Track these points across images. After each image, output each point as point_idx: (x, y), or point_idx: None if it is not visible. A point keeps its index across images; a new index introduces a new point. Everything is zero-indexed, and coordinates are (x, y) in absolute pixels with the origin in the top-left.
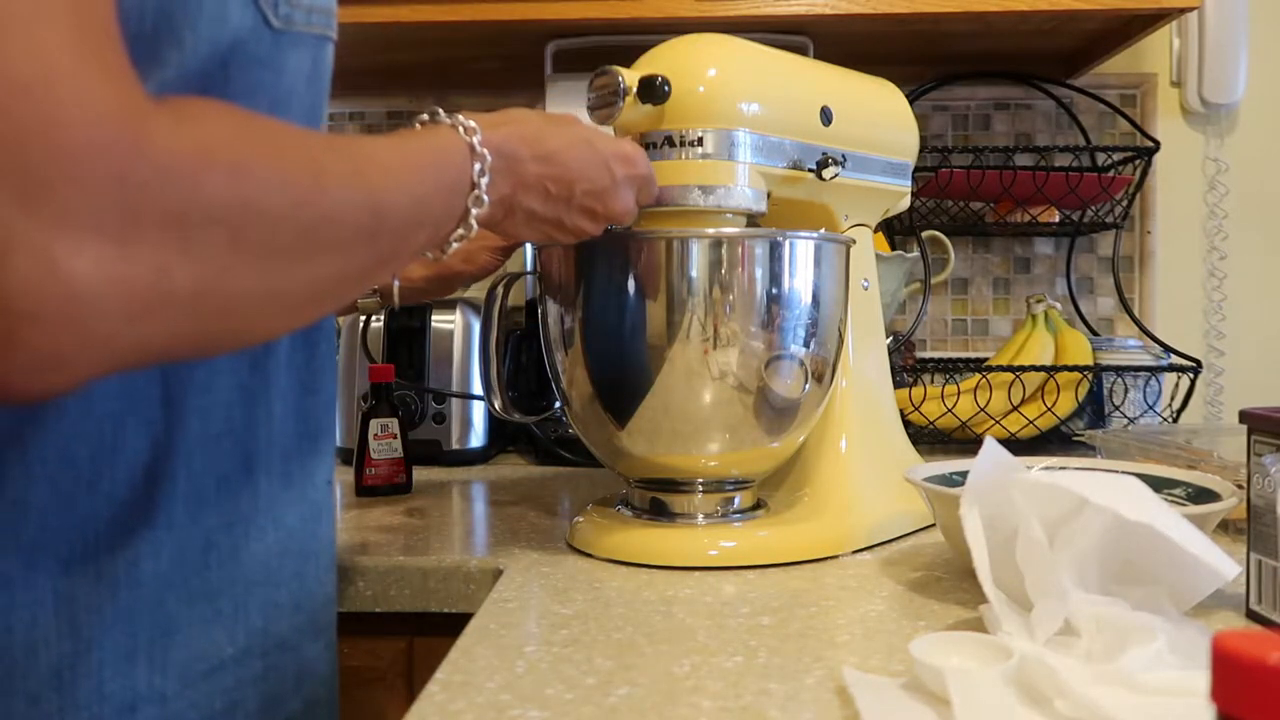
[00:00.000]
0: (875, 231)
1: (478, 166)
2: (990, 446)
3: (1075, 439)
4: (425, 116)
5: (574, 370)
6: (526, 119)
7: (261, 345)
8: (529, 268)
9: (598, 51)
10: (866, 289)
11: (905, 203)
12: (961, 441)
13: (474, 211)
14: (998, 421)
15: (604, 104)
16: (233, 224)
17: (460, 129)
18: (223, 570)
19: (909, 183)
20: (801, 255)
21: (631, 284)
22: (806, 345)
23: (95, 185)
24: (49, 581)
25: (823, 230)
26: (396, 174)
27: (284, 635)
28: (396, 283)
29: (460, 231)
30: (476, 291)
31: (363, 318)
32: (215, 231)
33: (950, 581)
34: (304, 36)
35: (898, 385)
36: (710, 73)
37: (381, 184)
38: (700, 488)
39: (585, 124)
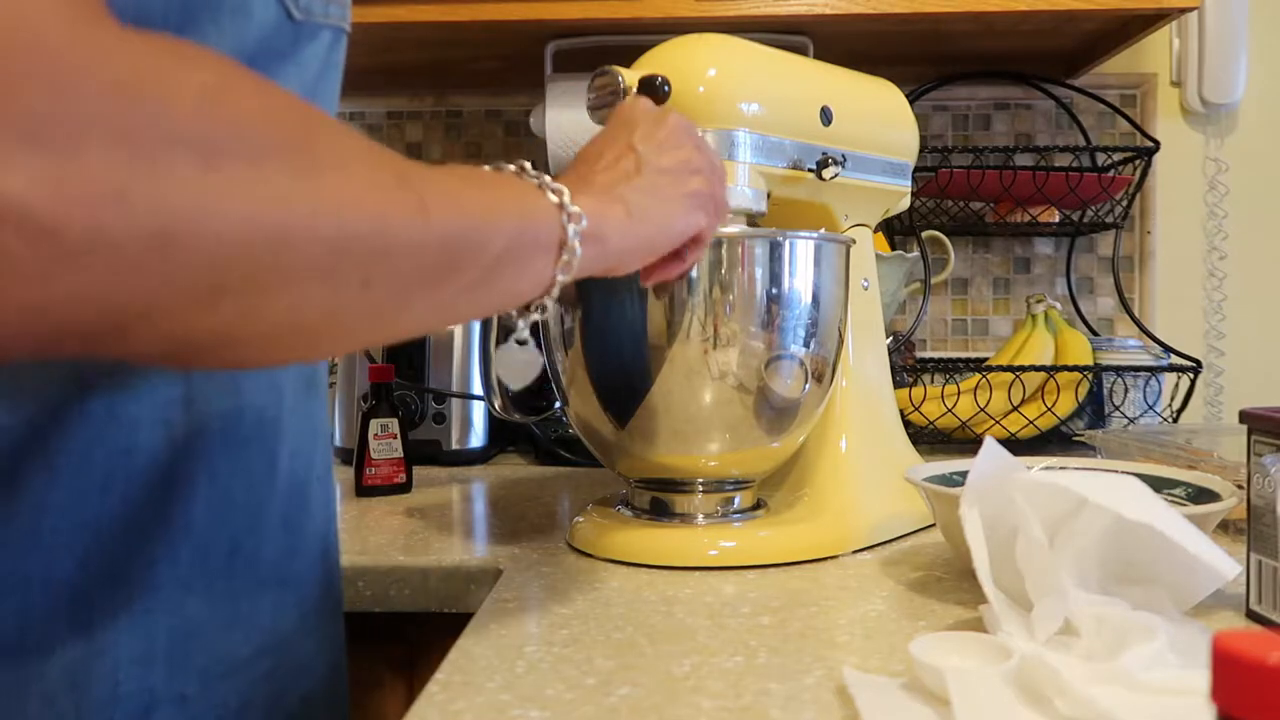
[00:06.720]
0: (875, 231)
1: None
2: (990, 446)
3: (1075, 439)
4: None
5: (574, 370)
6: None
7: None
8: None
9: (598, 51)
10: (866, 289)
11: (905, 203)
12: (961, 441)
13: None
14: (998, 421)
15: (604, 104)
16: (203, 149)
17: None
18: (247, 574)
19: (909, 183)
20: (801, 255)
21: (631, 284)
22: (806, 345)
23: (30, 91)
24: (65, 583)
25: (823, 230)
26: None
27: (289, 633)
28: None
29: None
30: None
31: None
32: (181, 155)
33: (950, 581)
34: (321, 28)
35: (898, 385)
36: (710, 73)
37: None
38: (700, 488)
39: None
